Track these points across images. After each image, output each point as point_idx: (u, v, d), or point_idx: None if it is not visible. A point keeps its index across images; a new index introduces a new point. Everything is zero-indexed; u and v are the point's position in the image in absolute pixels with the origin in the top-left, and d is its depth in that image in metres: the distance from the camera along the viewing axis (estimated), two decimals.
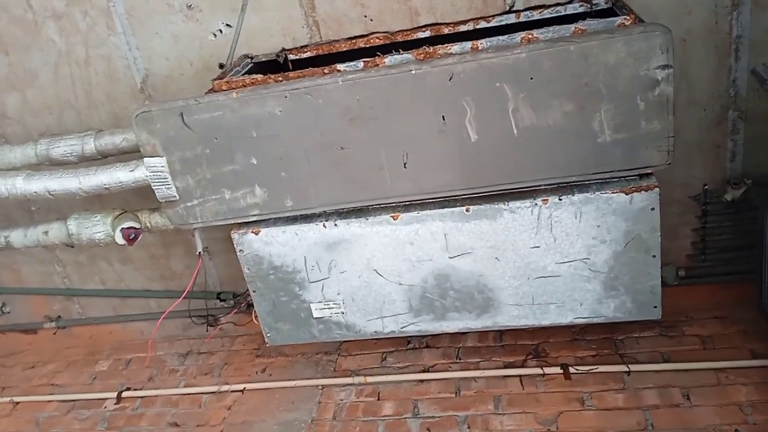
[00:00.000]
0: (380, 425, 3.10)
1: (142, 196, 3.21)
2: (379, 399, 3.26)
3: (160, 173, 2.75)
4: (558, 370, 3.13)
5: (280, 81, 2.61)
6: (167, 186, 2.78)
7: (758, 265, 2.95)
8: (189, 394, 3.61)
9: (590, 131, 2.46)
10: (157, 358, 3.98)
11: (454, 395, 3.16)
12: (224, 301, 3.84)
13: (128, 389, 3.75)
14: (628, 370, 3.04)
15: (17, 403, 3.87)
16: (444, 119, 2.54)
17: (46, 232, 3.25)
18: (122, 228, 3.09)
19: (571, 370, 3.11)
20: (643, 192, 2.54)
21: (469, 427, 2.97)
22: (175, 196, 2.82)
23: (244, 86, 2.64)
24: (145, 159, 2.75)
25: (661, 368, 3.02)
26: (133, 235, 3.10)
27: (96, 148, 3.03)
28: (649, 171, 2.55)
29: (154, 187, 2.80)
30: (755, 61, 2.84)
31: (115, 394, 3.72)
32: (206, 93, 2.71)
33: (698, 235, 3.21)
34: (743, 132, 2.97)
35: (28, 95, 3.54)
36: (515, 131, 2.51)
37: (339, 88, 2.54)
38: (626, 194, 2.56)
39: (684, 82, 2.88)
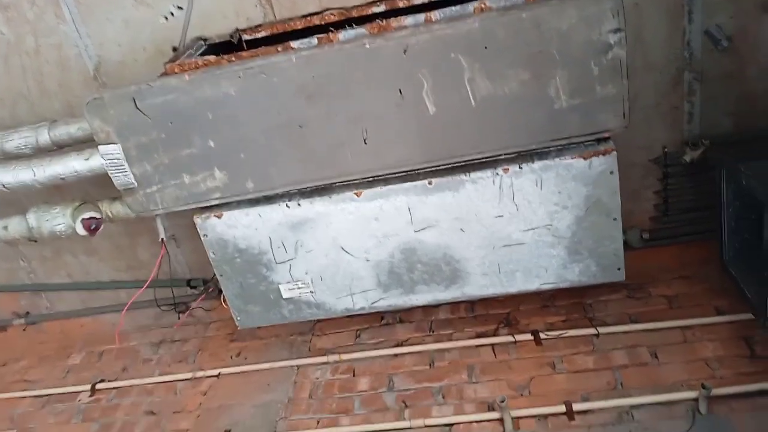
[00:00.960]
0: (356, 401, 3.12)
1: (101, 186, 3.14)
2: (354, 375, 3.27)
3: (116, 161, 2.70)
4: (529, 336, 3.17)
5: (233, 61, 2.57)
6: (124, 173, 2.74)
7: (718, 224, 3.00)
8: (164, 382, 3.59)
9: (546, 98, 2.47)
10: (130, 348, 3.95)
11: (428, 367, 3.19)
12: (195, 288, 3.82)
13: (102, 381, 3.72)
14: (597, 332, 3.08)
15: None
16: (401, 92, 2.53)
17: (5, 227, 3.19)
18: (83, 219, 3.04)
19: (542, 335, 3.15)
20: (601, 156, 2.57)
21: (444, 397, 3.00)
22: (133, 184, 2.78)
23: (197, 68, 2.60)
24: (100, 147, 2.70)
25: (629, 329, 3.06)
26: (94, 226, 3.06)
27: (51, 139, 2.97)
28: (607, 135, 2.57)
29: (111, 175, 2.76)
30: (708, 22, 2.86)
31: (89, 387, 3.69)
32: (159, 77, 2.65)
33: (660, 197, 3.26)
34: (699, 93, 3.00)
35: None
36: (473, 102, 2.51)
37: (293, 66, 2.51)
38: (585, 159, 2.58)
39: (639, 46, 2.90)
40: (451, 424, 2.85)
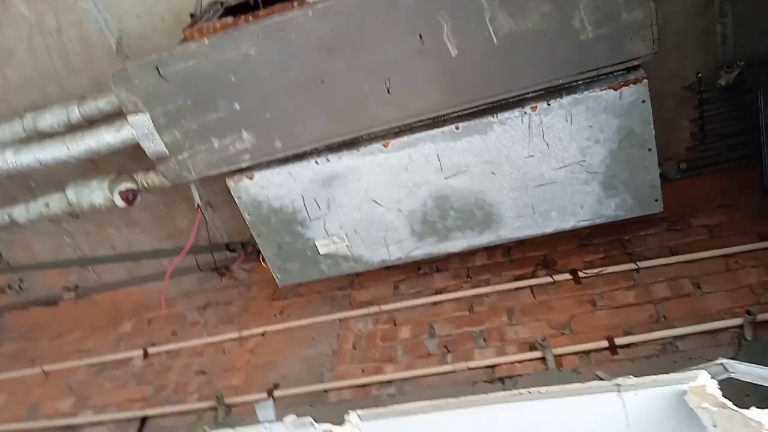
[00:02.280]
0: (399, 349, 3.18)
1: (135, 158, 3.21)
2: (395, 325, 3.33)
3: (145, 130, 2.74)
4: (567, 276, 3.16)
5: (251, 21, 2.56)
6: (155, 142, 2.78)
7: (757, 147, 2.91)
8: (212, 343, 3.71)
9: (571, 29, 2.40)
10: (177, 313, 4.07)
11: (468, 313, 3.22)
12: (234, 251, 3.90)
13: (153, 345, 3.86)
14: (637, 267, 3.05)
15: (48, 372, 4.01)
16: (421, 38, 2.48)
17: (47, 204, 3.29)
18: (120, 190, 3.11)
19: (581, 274, 3.14)
20: (631, 85, 2.50)
21: (485, 340, 3.04)
22: (164, 152, 2.82)
23: (216, 31, 2.60)
24: (129, 117, 2.74)
25: (669, 261, 3.03)
26: (131, 196, 3.13)
27: (81, 115, 3.03)
28: (636, 63, 2.49)
29: (142, 145, 2.80)
30: None
31: (141, 352, 3.83)
32: (179, 43, 2.66)
33: (696, 125, 3.16)
34: (731, 13, 2.87)
35: (7, 73, 3.51)
36: (495, 40, 2.46)
37: (310, 20, 2.48)
38: (615, 90, 2.52)
39: None
40: (494, 366, 2.90)
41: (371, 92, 2.62)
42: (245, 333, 3.65)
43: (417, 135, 2.73)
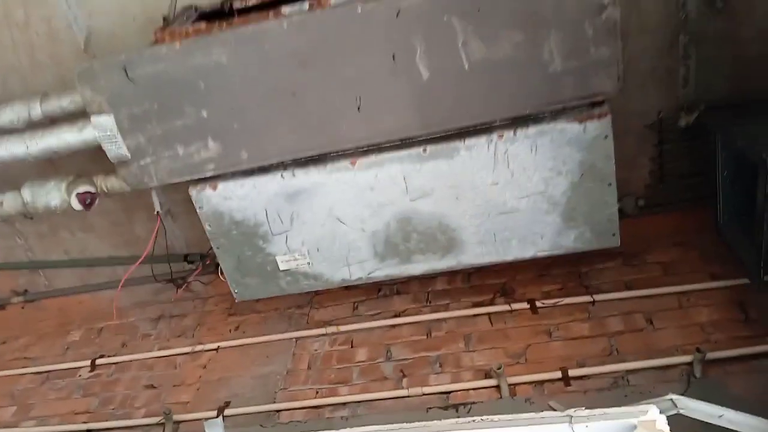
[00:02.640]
0: (355, 371, 3.14)
1: (96, 161, 3.13)
2: (352, 346, 3.29)
3: (108, 132, 2.69)
4: (525, 305, 3.18)
5: (225, 28, 2.55)
6: (117, 145, 2.73)
7: (713, 189, 3.00)
8: (163, 356, 3.61)
9: (541, 61, 2.46)
10: (129, 324, 3.96)
11: (425, 337, 3.21)
12: (192, 263, 3.82)
13: (102, 356, 3.74)
14: (592, 300, 3.09)
15: None
16: (394, 58, 2.51)
17: (0, 203, 3.18)
18: (77, 193, 3.03)
19: (538, 304, 3.16)
20: (596, 120, 2.56)
21: (441, 366, 3.02)
22: (126, 156, 2.77)
23: (188, 36, 2.58)
24: (92, 118, 2.68)
25: (624, 296, 3.07)
26: (89, 200, 3.05)
27: (43, 113, 2.95)
28: (601, 99, 2.56)
29: (104, 147, 2.74)
30: None
31: (89, 362, 3.71)
32: (149, 45, 2.63)
33: (655, 164, 3.25)
34: (695, 56, 2.97)
35: None
36: (466, 66, 2.50)
37: (285, 32, 2.49)
38: (579, 123, 2.57)
39: (634, 8, 2.86)
40: (449, 392, 2.88)
41: (342, 109, 2.63)
42: (198, 348, 3.57)
43: (384, 155, 2.74)
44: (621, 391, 2.64)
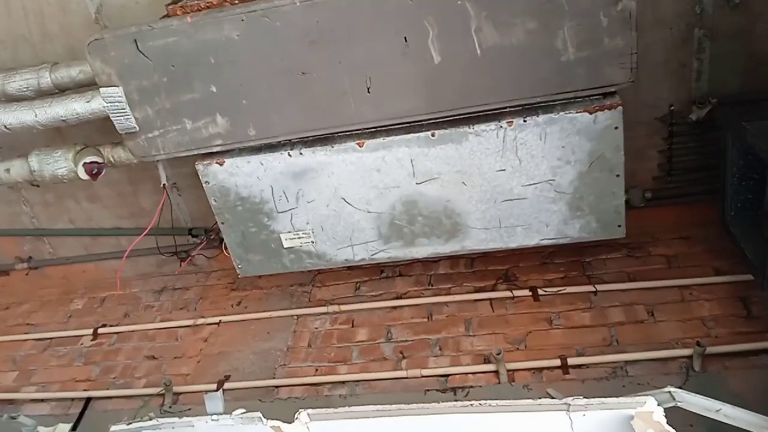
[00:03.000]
0: (354, 350, 3.16)
1: (103, 132, 3.14)
2: (353, 326, 3.31)
3: (117, 103, 2.68)
4: (527, 292, 3.19)
5: (236, 4, 2.53)
6: (126, 117, 2.72)
7: (722, 184, 2.99)
8: (165, 328, 3.64)
9: (553, 49, 2.43)
10: (132, 295, 3.99)
11: (426, 320, 3.22)
12: (196, 237, 3.83)
13: (104, 326, 3.78)
14: (594, 290, 3.10)
15: None
16: (406, 40, 2.49)
17: (8, 170, 3.19)
18: (85, 162, 3.04)
19: (540, 292, 3.17)
20: (606, 110, 2.54)
21: (440, 349, 3.04)
22: (135, 128, 2.77)
23: (199, 10, 2.56)
24: (101, 89, 2.68)
25: (626, 287, 3.08)
26: (96, 170, 3.05)
27: (52, 82, 2.94)
28: (613, 89, 2.53)
29: (112, 118, 2.74)
30: None
31: (91, 331, 3.74)
32: (161, 19, 2.61)
33: (664, 156, 3.23)
34: (709, 51, 2.94)
35: None
36: (479, 52, 2.47)
37: (297, 10, 2.46)
38: (590, 113, 2.55)
39: (649, 1, 2.83)
40: (447, 375, 2.90)
41: (351, 89, 2.61)
42: (200, 321, 3.60)
43: (392, 138, 2.73)
44: (619, 382, 2.66)
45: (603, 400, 1.73)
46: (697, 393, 1.88)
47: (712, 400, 1.84)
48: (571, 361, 2.77)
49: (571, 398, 1.75)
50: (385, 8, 2.43)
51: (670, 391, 1.88)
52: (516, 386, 2.76)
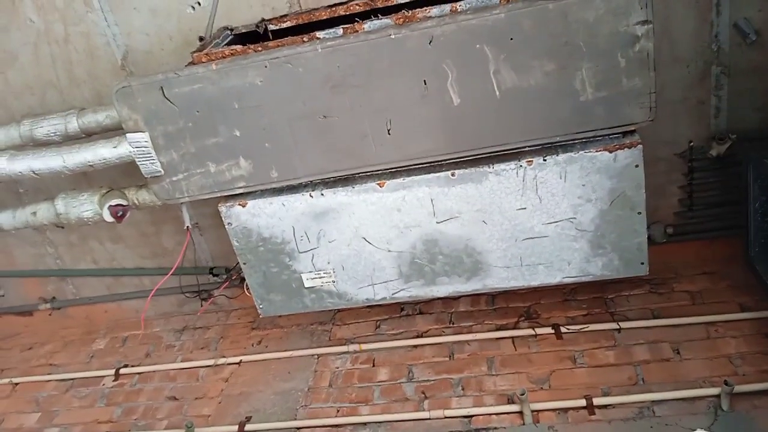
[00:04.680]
0: (376, 390, 3.15)
1: (128, 174, 3.20)
2: (374, 365, 3.30)
3: (143, 148, 2.74)
4: (550, 330, 3.17)
5: (260, 51, 2.59)
6: (152, 161, 2.78)
7: (744, 219, 2.97)
8: (186, 368, 3.65)
9: (572, 90, 2.46)
10: (153, 334, 4.01)
11: (448, 359, 3.20)
12: (217, 276, 3.86)
13: (126, 366, 3.79)
14: (618, 327, 3.07)
15: (16, 384, 3.92)
16: (426, 83, 2.53)
17: (34, 213, 3.25)
18: (110, 205, 3.09)
19: (563, 329, 3.15)
20: (626, 149, 2.54)
21: (463, 389, 3.01)
22: (160, 171, 2.82)
23: (224, 57, 2.62)
24: (128, 135, 2.73)
25: (651, 324, 3.05)
26: (121, 213, 3.10)
27: (79, 127, 3.01)
28: (633, 128, 2.54)
29: (138, 163, 2.79)
30: (737, 15, 2.82)
31: (113, 372, 3.76)
32: (186, 66, 2.68)
33: (685, 192, 3.22)
34: (727, 87, 2.96)
35: (9, 76, 3.51)
36: (497, 93, 2.51)
37: (319, 56, 2.52)
38: (610, 152, 2.56)
39: (666, 40, 2.87)
40: (471, 416, 2.87)
41: (372, 132, 2.65)
42: (221, 361, 3.60)
43: (413, 178, 2.75)
44: (647, 422, 2.62)
45: None
46: None
47: None
48: (596, 401, 2.74)
49: None
50: (405, 52, 2.48)
51: None
52: (541, 427, 2.73)
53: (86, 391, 3.71)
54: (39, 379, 3.90)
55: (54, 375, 3.90)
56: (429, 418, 2.90)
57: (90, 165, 2.90)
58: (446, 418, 2.88)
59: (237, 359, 3.59)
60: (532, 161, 2.63)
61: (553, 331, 3.15)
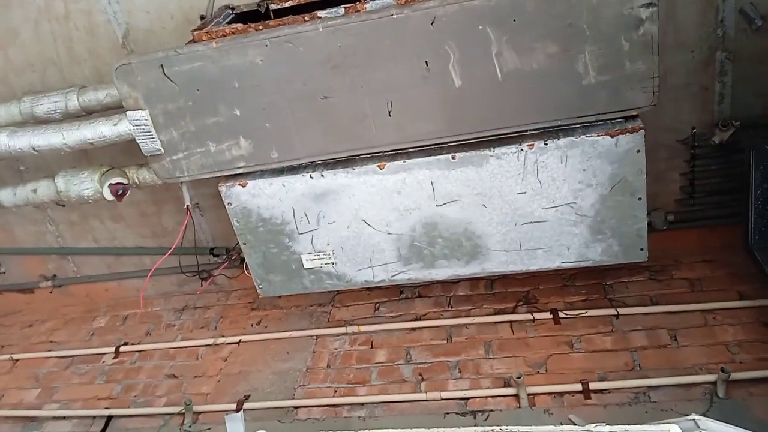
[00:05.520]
0: (374, 372, 3.16)
1: (129, 153, 3.20)
2: (372, 347, 3.31)
3: (143, 126, 2.73)
4: (548, 315, 3.18)
5: (260, 30, 2.57)
6: (152, 139, 2.77)
7: (745, 207, 2.96)
8: (186, 347, 3.67)
9: (575, 73, 2.44)
10: (153, 313, 4.03)
11: (445, 342, 3.21)
12: (217, 256, 3.87)
13: (126, 344, 3.81)
14: (616, 313, 3.08)
15: (17, 360, 3.95)
16: (427, 65, 2.51)
17: (34, 190, 3.26)
18: (110, 184, 3.09)
19: (561, 315, 3.15)
20: (628, 134, 2.53)
21: (460, 372, 3.03)
22: (160, 150, 2.81)
23: (224, 36, 2.60)
24: (128, 112, 2.73)
25: (649, 311, 3.06)
26: (121, 191, 3.10)
27: (80, 105, 3.01)
28: (635, 113, 2.53)
29: (138, 141, 2.79)
30: (743, 1, 2.79)
31: (113, 349, 3.78)
32: (186, 44, 2.67)
33: (687, 179, 3.21)
34: (731, 73, 2.93)
35: (10, 53, 3.49)
36: (499, 75, 2.49)
37: (320, 36, 2.50)
38: (612, 137, 2.55)
39: (671, 24, 2.83)
40: (467, 398, 2.88)
41: (372, 113, 2.63)
42: (220, 340, 3.62)
43: (413, 160, 2.74)
44: (642, 408, 2.63)
45: (626, 427, 1.71)
46: (721, 420, 1.85)
47: (737, 428, 1.81)
48: (592, 385, 2.75)
49: (594, 425, 1.73)
50: (407, 33, 2.46)
51: (694, 419, 1.85)
52: (537, 411, 2.74)
53: (86, 368, 3.74)
54: (39, 356, 3.92)
55: (54, 352, 3.93)
56: (426, 400, 2.92)
57: (90, 142, 2.89)
58: (443, 399, 2.90)
59: (236, 339, 3.60)
60: (533, 145, 2.62)
61: (551, 316, 3.16)
